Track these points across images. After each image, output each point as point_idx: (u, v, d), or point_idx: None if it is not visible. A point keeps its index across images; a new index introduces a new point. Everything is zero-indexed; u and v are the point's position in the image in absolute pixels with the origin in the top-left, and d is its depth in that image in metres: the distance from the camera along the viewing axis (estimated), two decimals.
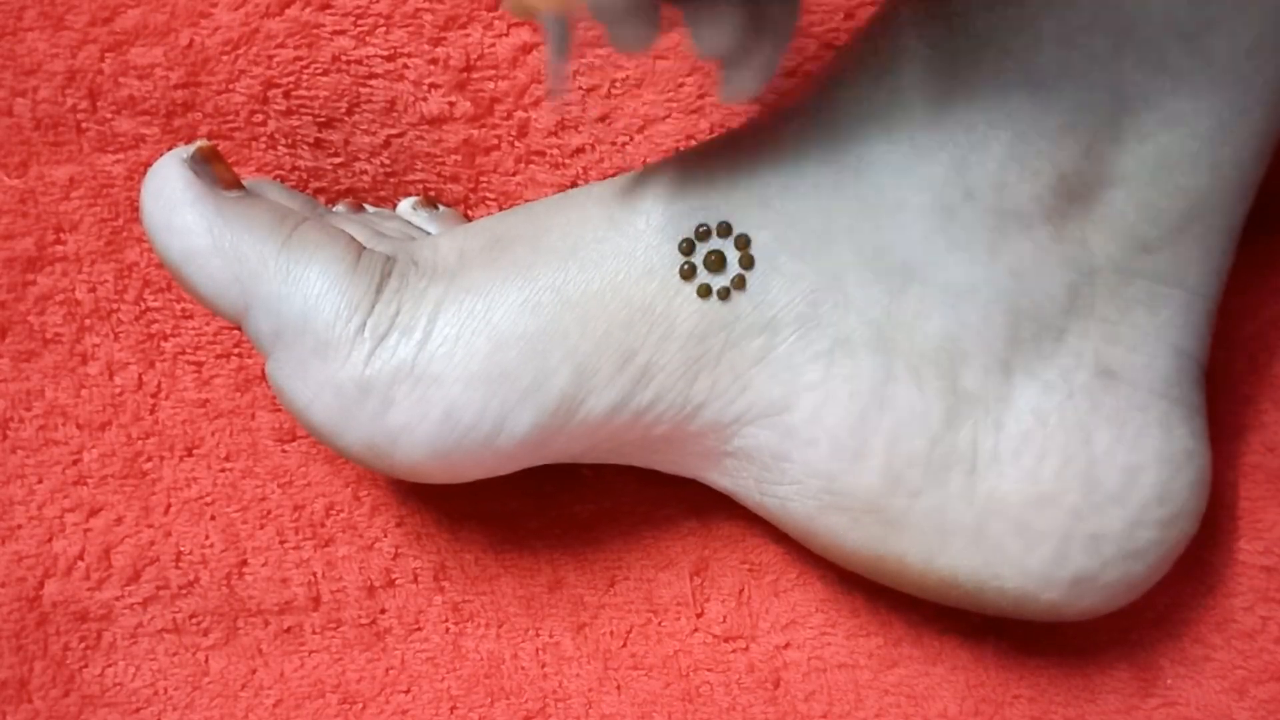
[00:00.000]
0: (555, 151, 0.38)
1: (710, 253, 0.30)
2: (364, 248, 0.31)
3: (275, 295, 0.30)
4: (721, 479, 0.33)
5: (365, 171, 0.39)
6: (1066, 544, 0.30)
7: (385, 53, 0.38)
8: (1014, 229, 0.29)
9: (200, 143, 0.31)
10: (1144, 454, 0.30)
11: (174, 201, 0.30)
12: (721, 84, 0.29)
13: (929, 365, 0.30)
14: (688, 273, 0.30)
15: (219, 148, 0.38)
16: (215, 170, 0.31)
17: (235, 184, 0.32)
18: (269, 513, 0.37)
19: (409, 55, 0.38)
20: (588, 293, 0.30)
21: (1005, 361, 0.30)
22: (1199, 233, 0.30)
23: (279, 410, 0.38)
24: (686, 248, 0.30)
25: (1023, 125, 0.29)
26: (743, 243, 0.30)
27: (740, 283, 0.30)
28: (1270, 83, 0.29)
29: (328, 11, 0.37)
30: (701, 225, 0.30)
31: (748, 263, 0.30)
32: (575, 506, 0.37)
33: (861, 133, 0.30)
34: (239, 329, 0.31)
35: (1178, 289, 0.30)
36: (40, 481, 0.37)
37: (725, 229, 0.30)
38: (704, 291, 0.30)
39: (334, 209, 0.37)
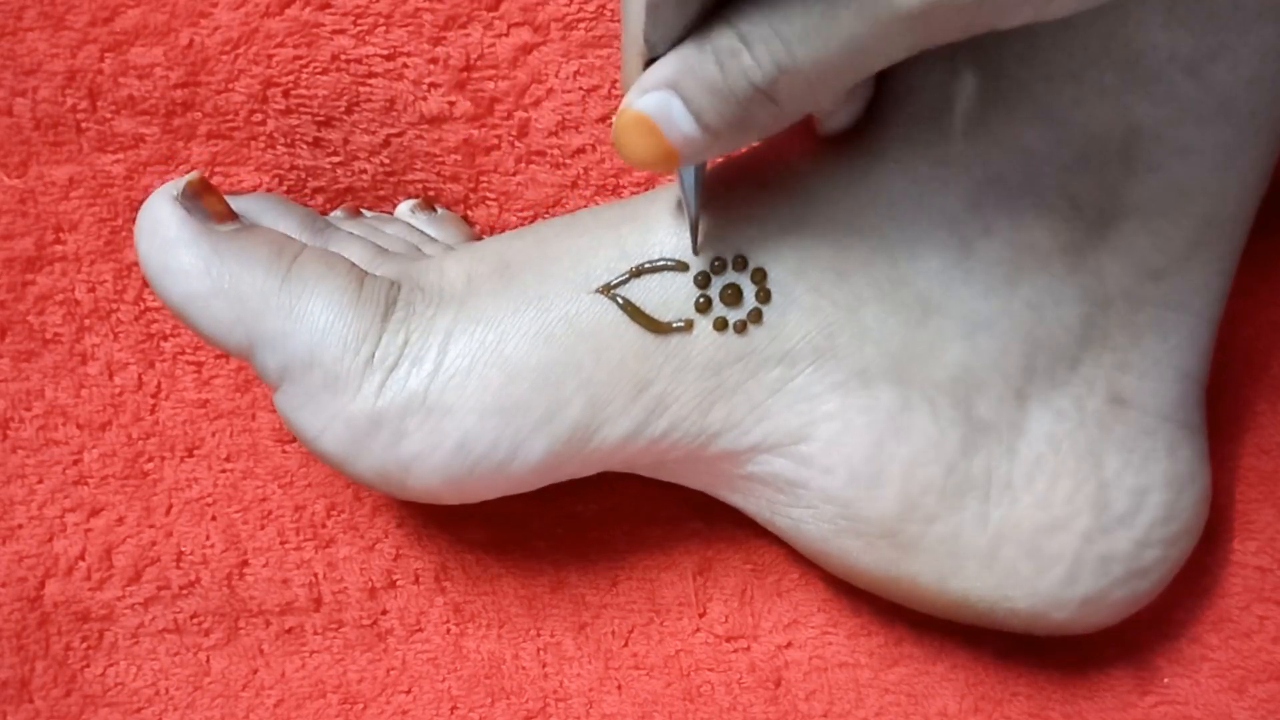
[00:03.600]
0: (555, 151, 0.38)
1: (726, 286, 0.30)
2: (366, 274, 0.31)
3: (280, 332, 0.29)
4: (733, 496, 0.33)
5: (364, 171, 0.39)
6: (1077, 566, 0.31)
7: (385, 52, 0.38)
8: (1031, 262, 0.30)
9: (190, 176, 0.30)
10: (1151, 476, 0.31)
11: (169, 243, 0.29)
12: (822, 122, 0.30)
13: (945, 395, 0.30)
14: (703, 306, 0.30)
15: (218, 151, 0.38)
16: (207, 204, 0.30)
17: (229, 215, 0.31)
18: (270, 513, 0.37)
19: (409, 54, 0.38)
20: (601, 323, 0.30)
21: (1020, 390, 0.30)
22: (1205, 259, 0.30)
23: None
24: (702, 281, 0.30)
25: (1038, 159, 0.29)
26: (759, 276, 0.30)
27: (757, 316, 0.30)
28: (1271, 112, 0.29)
29: (327, 11, 0.37)
30: (717, 258, 0.30)
31: (764, 296, 0.30)
32: (578, 506, 0.37)
33: (878, 167, 0.30)
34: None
35: (1185, 314, 0.30)
36: (41, 481, 0.37)
37: (741, 262, 0.30)
38: (720, 324, 0.30)
39: (332, 214, 0.37)
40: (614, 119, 0.27)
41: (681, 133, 0.26)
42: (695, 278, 0.30)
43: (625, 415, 0.30)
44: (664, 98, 0.26)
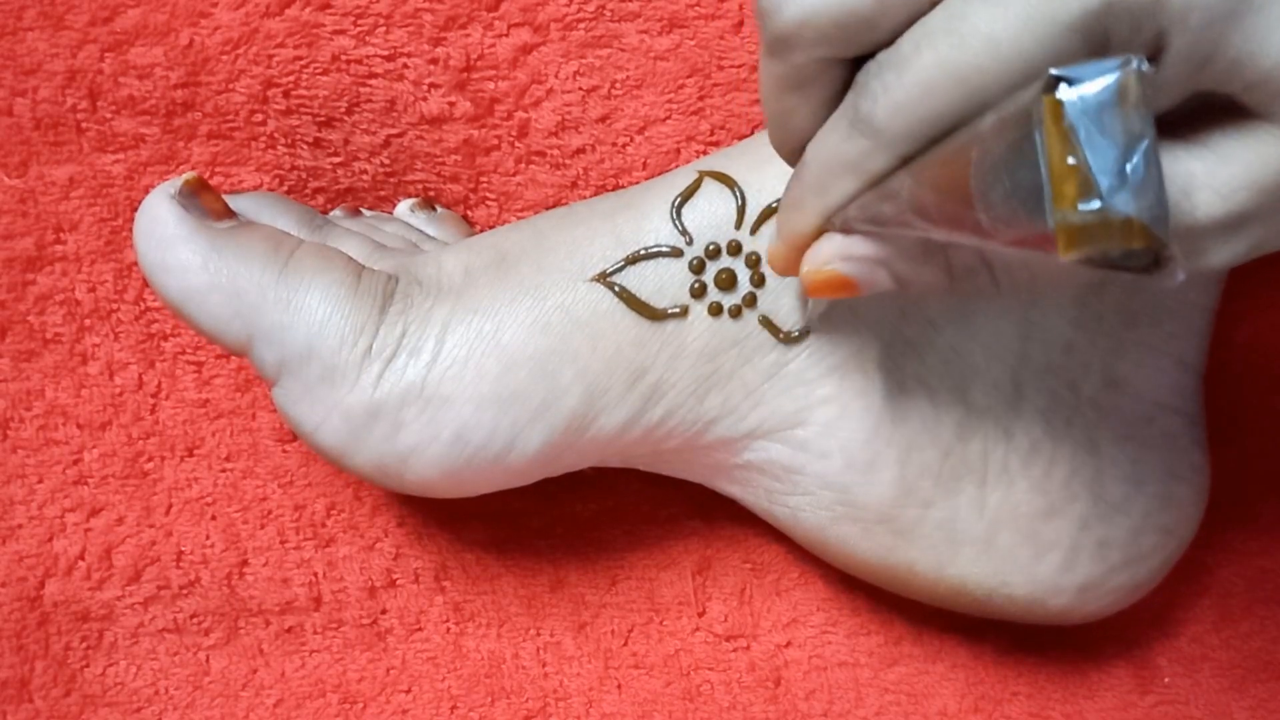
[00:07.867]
0: (555, 151, 0.38)
1: (721, 271, 0.30)
2: (363, 267, 0.31)
3: (277, 326, 0.30)
4: (731, 487, 0.33)
5: (365, 171, 0.39)
6: (1074, 552, 0.30)
7: (385, 52, 0.38)
8: None
9: (187, 175, 0.31)
10: (1148, 463, 0.31)
11: (167, 240, 0.30)
12: None
13: (940, 379, 0.30)
14: (698, 291, 0.30)
15: (218, 151, 0.39)
16: (204, 202, 0.31)
17: (226, 213, 0.31)
18: (270, 513, 0.37)
19: (409, 55, 0.38)
20: (597, 312, 0.30)
21: (1015, 374, 0.30)
22: None
23: None
24: (697, 266, 0.30)
25: None
26: (753, 260, 0.30)
27: (751, 300, 0.30)
28: None
29: (328, 11, 0.37)
30: (711, 243, 0.30)
31: (759, 281, 0.30)
32: (578, 505, 0.37)
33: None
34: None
35: (1181, 302, 0.30)
36: (41, 481, 0.37)
37: (735, 247, 0.30)
38: (715, 310, 0.30)
39: (332, 214, 0.37)
40: (805, 268, 0.25)
41: (879, 289, 0.25)
42: (690, 263, 0.30)
43: (622, 403, 0.30)
44: (873, 269, 0.24)
